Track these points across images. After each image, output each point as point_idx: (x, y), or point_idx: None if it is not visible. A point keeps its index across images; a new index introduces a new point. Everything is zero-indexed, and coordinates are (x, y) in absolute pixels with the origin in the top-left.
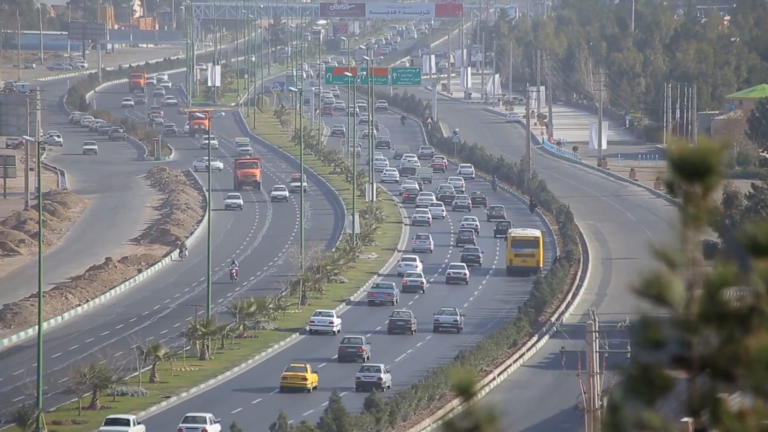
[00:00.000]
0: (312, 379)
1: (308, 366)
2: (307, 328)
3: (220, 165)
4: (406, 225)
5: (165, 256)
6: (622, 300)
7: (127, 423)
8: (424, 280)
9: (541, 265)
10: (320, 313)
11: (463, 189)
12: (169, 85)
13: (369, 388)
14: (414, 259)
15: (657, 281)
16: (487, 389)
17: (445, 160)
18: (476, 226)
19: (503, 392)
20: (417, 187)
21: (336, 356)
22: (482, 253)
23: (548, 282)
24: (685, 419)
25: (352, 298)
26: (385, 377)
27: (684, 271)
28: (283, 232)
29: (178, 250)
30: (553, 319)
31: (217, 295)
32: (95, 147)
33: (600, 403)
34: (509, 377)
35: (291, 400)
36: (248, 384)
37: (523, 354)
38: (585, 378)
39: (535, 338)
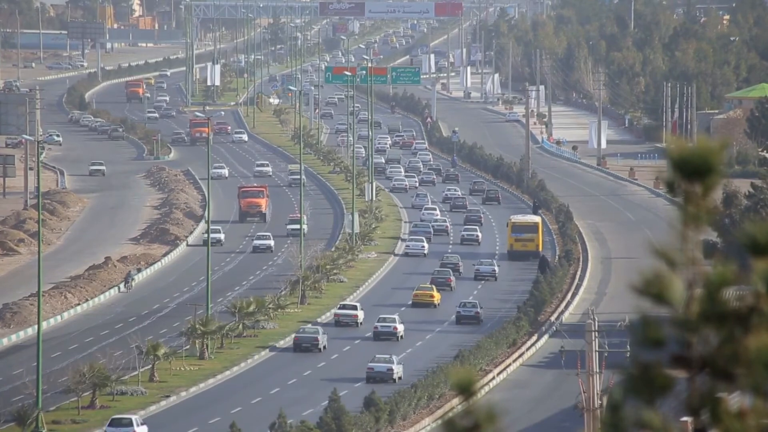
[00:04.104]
0: (437, 297)
1: (434, 286)
2: (404, 251)
3: (226, 172)
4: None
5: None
6: (621, 299)
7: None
8: (449, 225)
9: (540, 249)
10: (413, 238)
11: (431, 163)
12: (167, 99)
13: (468, 321)
14: (434, 209)
15: (657, 280)
16: (486, 389)
17: (406, 137)
18: (459, 195)
19: (503, 392)
20: (384, 161)
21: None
22: (483, 213)
23: (548, 281)
24: (685, 419)
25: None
26: (481, 311)
27: (684, 270)
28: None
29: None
30: (552, 318)
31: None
32: (103, 167)
33: (599, 402)
34: (509, 377)
35: (292, 398)
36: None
37: (523, 353)
38: (584, 377)
39: (534, 337)
